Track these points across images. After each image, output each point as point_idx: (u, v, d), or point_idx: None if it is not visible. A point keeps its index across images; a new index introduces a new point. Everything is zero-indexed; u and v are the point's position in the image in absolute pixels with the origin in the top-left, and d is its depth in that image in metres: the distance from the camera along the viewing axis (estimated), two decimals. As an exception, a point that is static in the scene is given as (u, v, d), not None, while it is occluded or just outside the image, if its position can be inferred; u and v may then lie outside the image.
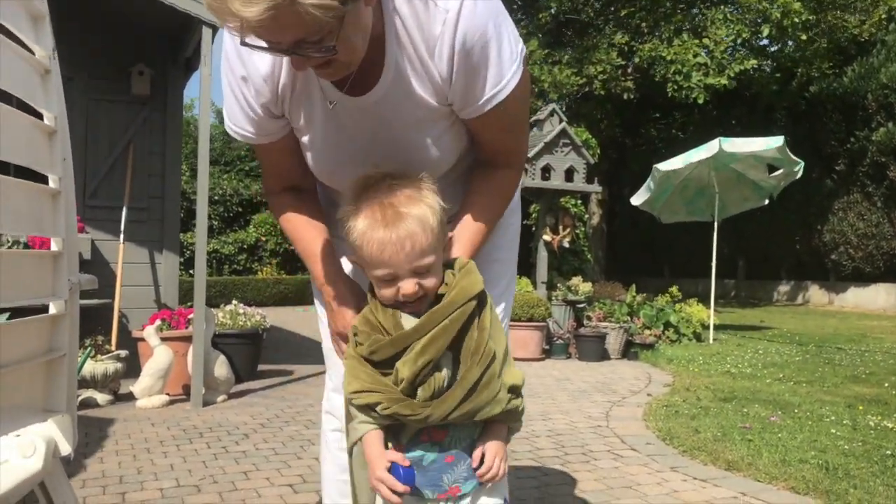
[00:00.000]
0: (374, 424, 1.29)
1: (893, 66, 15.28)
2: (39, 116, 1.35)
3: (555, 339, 7.34)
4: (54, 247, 1.37)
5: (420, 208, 1.25)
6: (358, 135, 1.44)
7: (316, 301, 1.73)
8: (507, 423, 1.33)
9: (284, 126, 1.46)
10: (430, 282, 1.27)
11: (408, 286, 1.25)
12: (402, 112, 1.39)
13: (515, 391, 1.31)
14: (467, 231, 1.45)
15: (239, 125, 1.46)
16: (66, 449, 1.42)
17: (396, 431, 1.31)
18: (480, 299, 1.29)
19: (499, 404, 1.27)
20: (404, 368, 1.22)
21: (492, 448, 1.30)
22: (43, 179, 1.36)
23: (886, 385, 5.47)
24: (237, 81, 1.40)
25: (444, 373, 1.25)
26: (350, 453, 1.38)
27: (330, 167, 1.50)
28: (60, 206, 1.37)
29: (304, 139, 1.48)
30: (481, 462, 1.29)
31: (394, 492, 1.24)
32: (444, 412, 1.23)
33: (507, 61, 1.34)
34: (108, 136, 5.66)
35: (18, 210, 1.20)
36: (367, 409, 1.27)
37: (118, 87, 5.68)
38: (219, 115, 35.37)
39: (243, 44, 1.15)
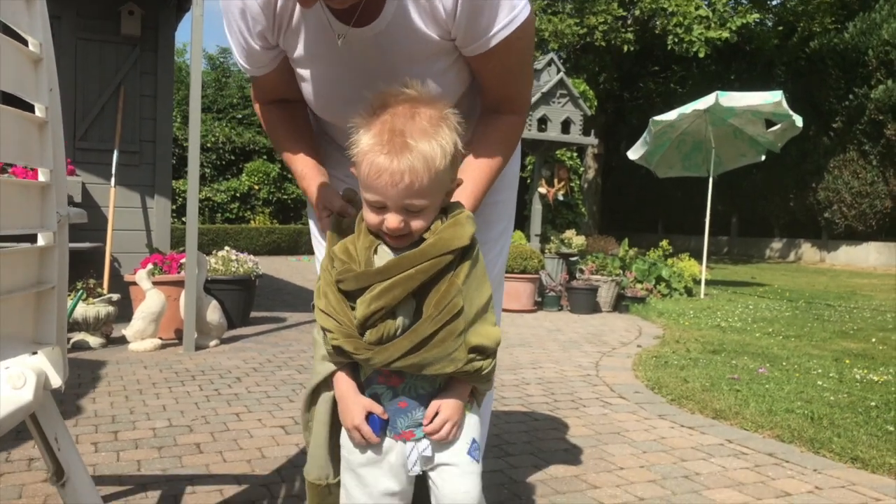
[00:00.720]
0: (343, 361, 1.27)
1: (895, 22, 15.09)
2: (24, 44, 1.32)
3: (547, 291, 7.37)
4: (42, 178, 1.35)
5: (430, 145, 1.17)
6: (357, 68, 1.41)
7: (311, 223, 1.74)
8: (469, 382, 1.27)
9: (277, 56, 1.46)
10: (417, 223, 1.21)
11: (392, 220, 1.19)
12: (404, 45, 1.36)
13: (482, 352, 1.24)
14: (471, 180, 1.41)
15: (238, 57, 1.49)
16: (56, 381, 1.42)
17: (355, 366, 1.30)
18: (462, 254, 1.23)
19: (453, 363, 1.21)
20: (360, 307, 1.19)
21: (446, 408, 1.25)
22: (29, 111, 1.33)
23: (873, 340, 5.53)
24: (235, 17, 1.41)
25: (399, 321, 1.20)
26: (313, 392, 1.37)
27: (326, 101, 1.48)
28: (48, 137, 1.35)
29: (302, 72, 1.46)
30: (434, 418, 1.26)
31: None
32: (386, 359, 1.19)
33: None
34: (98, 78, 5.55)
35: (5, 137, 1.18)
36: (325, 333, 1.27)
37: (108, 26, 5.55)
38: (211, 60, 34.85)
39: None
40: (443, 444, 1.27)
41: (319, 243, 1.69)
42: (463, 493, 1.26)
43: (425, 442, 1.26)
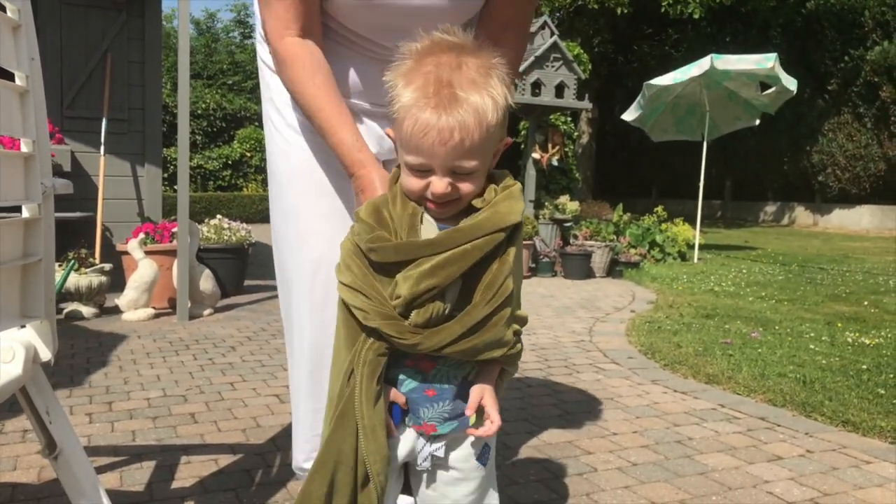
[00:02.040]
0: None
1: (893, -18, 14.94)
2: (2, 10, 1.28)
3: (541, 256, 7.37)
4: (25, 148, 1.32)
5: (482, 97, 1.03)
6: None
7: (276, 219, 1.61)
8: (505, 366, 1.19)
9: None
10: (466, 186, 1.08)
11: (440, 185, 1.06)
12: None
13: (519, 334, 1.18)
14: None
15: None
16: (46, 355, 1.41)
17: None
18: (512, 232, 1.10)
19: (501, 348, 1.13)
20: (404, 285, 1.05)
21: (489, 399, 1.16)
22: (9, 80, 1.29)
23: (865, 303, 5.56)
24: None
25: (450, 299, 1.08)
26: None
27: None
28: (30, 106, 1.32)
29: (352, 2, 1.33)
30: (477, 415, 1.16)
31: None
32: (437, 344, 1.07)
33: None
34: (85, 44, 5.45)
35: (-18, 107, 1.15)
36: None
37: (93, -9, 5.45)
38: (197, 25, 34.37)
39: None
40: (463, 437, 1.18)
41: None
42: (463, 495, 1.21)
43: (440, 442, 1.18)
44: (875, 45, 15.28)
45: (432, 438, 1.18)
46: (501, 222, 1.07)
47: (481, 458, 1.21)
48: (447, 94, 1.02)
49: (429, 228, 1.11)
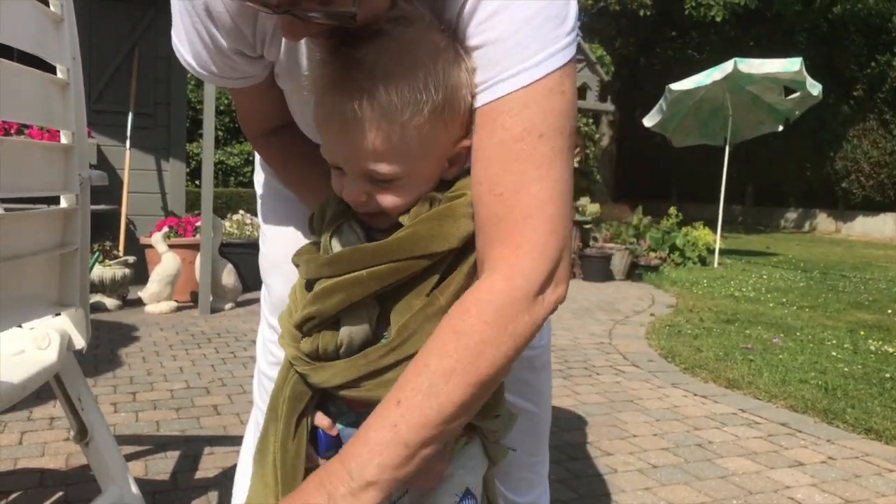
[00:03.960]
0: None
1: (921, -12, 14.78)
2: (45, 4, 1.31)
3: (560, 258, 7.35)
4: (64, 140, 1.35)
5: (405, 81, 0.78)
6: None
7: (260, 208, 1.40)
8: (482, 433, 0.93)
9: (267, 66, 1.00)
10: (387, 198, 0.84)
11: (352, 191, 0.84)
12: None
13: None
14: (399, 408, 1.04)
15: (203, 65, 0.98)
16: (79, 342, 1.44)
17: None
18: (450, 260, 0.85)
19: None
20: (300, 308, 0.88)
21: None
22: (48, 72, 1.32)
23: (889, 312, 5.50)
24: (196, 10, 0.91)
25: (345, 334, 0.84)
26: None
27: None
28: (70, 99, 1.34)
29: (288, 87, 1.04)
30: None
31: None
32: (325, 382, 0.85)
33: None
34: (113, 39, 5.52)
35: (27, 97, 1.17)
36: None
37: (122, -13, 5.52)
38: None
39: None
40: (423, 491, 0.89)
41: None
42: None
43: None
44: (902, 51, 15.12)
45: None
46: (420, 248, 0.82)
47: None
48: (355, 77, 0.78)
49: (346, 240, 0.89)
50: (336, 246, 0.88)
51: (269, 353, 1.38)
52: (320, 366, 0.85)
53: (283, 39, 0.92)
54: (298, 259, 0.93)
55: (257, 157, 1.31)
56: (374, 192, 0.84)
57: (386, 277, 0.82)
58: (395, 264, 0.82)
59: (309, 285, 0.89)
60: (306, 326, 0.86)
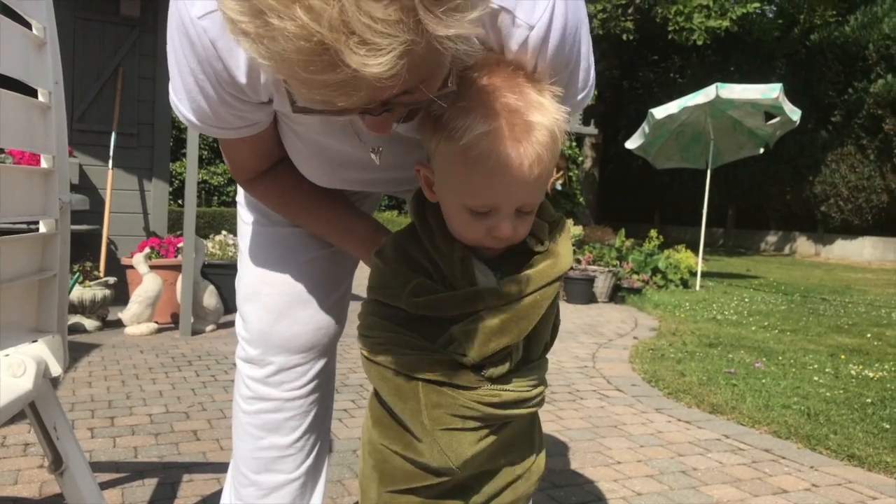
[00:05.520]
0: None
1: (897, 16, 15.09)
2: (27, 27, 1.29)
3: (544, 280, 7.36)
4: (44, 164, 1.33)
5: (549, 119, 0.87)
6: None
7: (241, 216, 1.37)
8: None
9: (272, 112, 1.02)
10: (525, 227, 0.94)
11: (507, 227, 0.90)
12: None
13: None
14: None
15: (205, 119, 0.97)
16: (56, 370, 1.41)
17: None
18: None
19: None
20: (469, 343, 0.92)
21: None
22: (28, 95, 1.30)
23: (868, 336, 5.54)
24: (204, 70, 0.90)
25: (515, 349, 0.96)
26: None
27: (324, 172, 1.13)
28: (51, 123, 1.33)
29: (292, 139, 1.08)
30: None
31: None
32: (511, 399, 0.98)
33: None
34: (97, 59, 5.50)
35: (7, 121, 1.16)
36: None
37: (107, 6, 5.49)
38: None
39: (300, 110, 0.80)
40: None
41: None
42: None
43: None
44: (878, 79, 15.38)
45: None
46: (564, 266, 0.97)
47: None
48: (521, 125, 0.85)
49: (484, 273, 0.96)
50: (484, 279, 0.94)
51: (247, 387, 1.34)
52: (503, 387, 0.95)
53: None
54: (423, 298, 0.93)
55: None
56: (516, 220, 0.91)
57: (551, 295, 0.95)
58: (555, 284, 0.95)
59: (432, 322, 0.93)
60: (493, 360, 0.93)
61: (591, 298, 7.22)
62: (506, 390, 0.95)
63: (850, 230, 16.78)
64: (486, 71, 0.88)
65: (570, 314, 6.32)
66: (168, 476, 2.19)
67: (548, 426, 2.92)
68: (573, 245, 6.55)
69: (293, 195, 1.16)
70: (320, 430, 1.37)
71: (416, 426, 0.95)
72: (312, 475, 1.37)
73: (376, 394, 1.03)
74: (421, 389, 0.94)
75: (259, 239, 1.32)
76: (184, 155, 4.49)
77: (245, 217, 1.35)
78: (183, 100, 0.96)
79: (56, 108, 1.33)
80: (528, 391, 0.97)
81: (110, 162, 5.41)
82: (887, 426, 3.01)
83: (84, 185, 5.40)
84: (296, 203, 1.17)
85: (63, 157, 1.37)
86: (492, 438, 0.97)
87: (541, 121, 0.86)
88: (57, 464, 1.45)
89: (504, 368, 0.94)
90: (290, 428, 1.31)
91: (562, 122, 0.88)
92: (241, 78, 0.89)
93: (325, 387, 1.36)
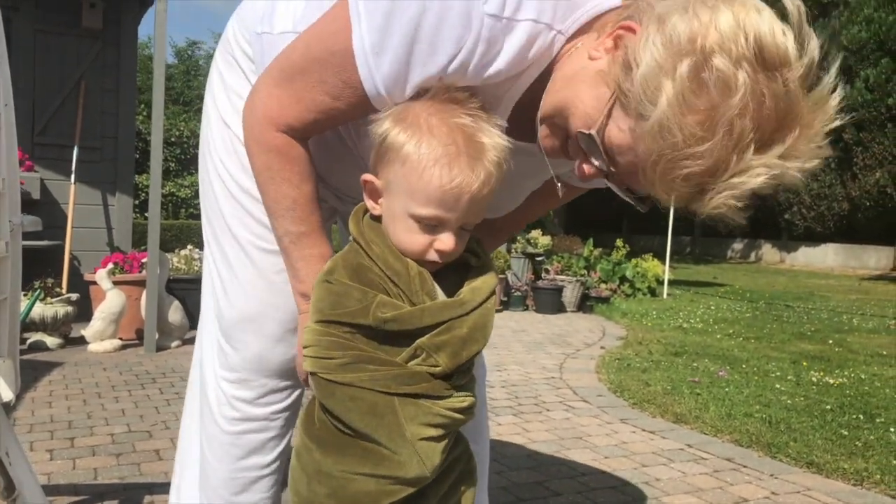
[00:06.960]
0: None
1: (854, 28, 15.44)
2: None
3: (513, 290, 7.40)
4: (-6, 187, 1.31)
5: (495, 140, 0.94)
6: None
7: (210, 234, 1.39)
8: None
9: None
10: (463, 244, 0.99)
11: (449, 241, 0.95)
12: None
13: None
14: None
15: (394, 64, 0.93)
16: (7, 395, 1.39)
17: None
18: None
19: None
20: (440, 355, 0.94)
21: None
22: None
23: (830, 342, 5.65)
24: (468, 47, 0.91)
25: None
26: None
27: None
28: (1, 145, 1.31)
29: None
30: None
31: None
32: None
33: None
34: (58, 71, 5.42)
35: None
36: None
37: (68, 19, 5.42)
38: (178, 54, 33.86)
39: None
40: None
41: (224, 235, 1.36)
42: None
43: None
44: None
45: None
46: (496, 279, 1.05)
47: None
48: (474, 145, 0.92)
49: (441, 283, 1.00)
50: (440, 292, 0.98)
51: (233, 408, 1.31)
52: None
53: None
54: (395, 315, 0.94)
55: (242, 206, 1.30)
56: (458, 238, 0.97)
57: (493, 303, 1.00)
58: (493, 295, 1.01)
59: (395, 338, 0.95)
60: (466, 366, 0.98)
61: (559, 308, 7.27)
62: (469, 396, 1.00)
63: (814, 237, 17.11)
64: (441, 92, 0.93)
65: (539, 324, 6.35)
66: (129, 498, 2.16)
67: (514, 439, 2.93)
68: (542, 255, 6.58)
69: (296, 171, 1.07)
70: (289, 452, 1.38)
71: (396, 440, 0.95)
72: (278, 497, 1.38)
73: (324, 420, 1.02)
74: (397, 403, 0.95)
75: (264, 263, 1.28)
76: (149, 168, 4.45)
77: (240, 235, 1.29)
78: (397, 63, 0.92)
79: (6, 130, 1.32)
80: (473, 395, 1.03)
81: (72, 176, 5.34)
82: (845, 433, 3.08)
83: (45, 200, 5.31)
84: (290, 182, 1.07)
85: (14, 178, 1.35)
86: (449, 442, 1.00)
87: (488, 141, 0.92)
88: (9, 490, 1.42)
89: (468, 375, 1.00)
90: (270, 447, 1.32)
91: (500, 142, 0.94)
92: (498, 75, 0.94)
93: (297, 408, 1.37)
